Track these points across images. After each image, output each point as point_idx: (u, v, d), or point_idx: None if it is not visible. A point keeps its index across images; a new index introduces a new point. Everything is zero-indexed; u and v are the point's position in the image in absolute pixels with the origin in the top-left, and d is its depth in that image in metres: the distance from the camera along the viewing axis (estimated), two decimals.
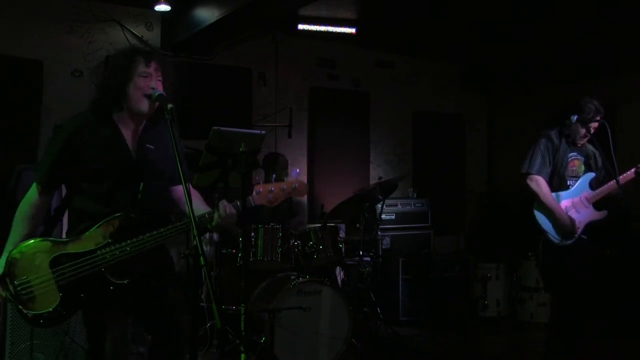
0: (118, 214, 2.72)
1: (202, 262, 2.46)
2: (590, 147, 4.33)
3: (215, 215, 2.81)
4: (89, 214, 2.75)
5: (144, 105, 2.77)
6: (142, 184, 2.80)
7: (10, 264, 2.65)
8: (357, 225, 5.91)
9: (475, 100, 8.76)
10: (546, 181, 4.18)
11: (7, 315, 3.85)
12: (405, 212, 7.21)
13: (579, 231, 4.18)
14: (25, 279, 2.63)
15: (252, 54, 6.89)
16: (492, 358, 5.68)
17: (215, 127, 2.98)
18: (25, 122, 5.63)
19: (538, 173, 4.16)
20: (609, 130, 4.09)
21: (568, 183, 4.25)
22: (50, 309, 2.64)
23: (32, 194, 2.81)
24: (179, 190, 2.97)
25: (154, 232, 2.72)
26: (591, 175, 4.28)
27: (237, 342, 4.25)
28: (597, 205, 4.25)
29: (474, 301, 6.82)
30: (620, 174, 4.10)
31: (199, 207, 2.88)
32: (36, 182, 2.80)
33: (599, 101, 4.21)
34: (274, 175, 5.90)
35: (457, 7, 6.13)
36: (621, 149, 5.32)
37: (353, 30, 6.78)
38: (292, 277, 4.75)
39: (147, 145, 2.85)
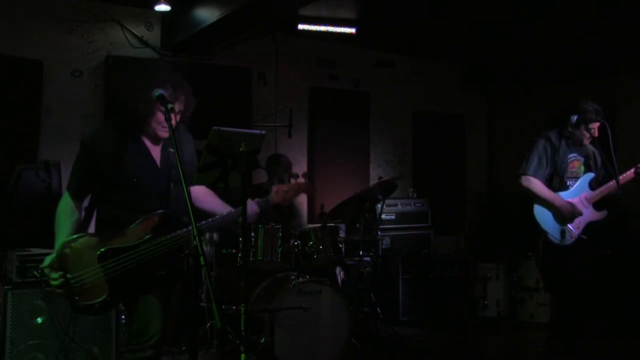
0: (157, 212, 2.93)
1: (202, 262, 2.46)
2: (590, 147, 4.33)
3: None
4: (118, 223, 2.94)
5: (164, 133, 3.02)
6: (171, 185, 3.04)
7: (61, 258, 2.89)
8: (357, 225, 5.91)
9: (475, 100, 8.76)
10: (543, 183, 4.18)
11: (7, 315, 3.85)
12: (405, 212, 7.21)
13: (578, 231, 4.18)
14: (77, 273, 2.86)
15: (252, 54, 6.89)
16: (492, 358, 5.68)
17: (215, 127, 2.98)
18: (25, 122, 5.63)
19: (534, 175, 4.16)
20: (609, 130, 4.09)
21: (568, 184, 4.25)
22: (101, 299, 2.86)
23: (67, 197, 3.04)
24: (194, 190, 3.17)
25: (184, 230, 2.92)
26: (590, 175, 4.28)
27: (237, 342, 4.25)
28: (597, 205, 4.25)
29: (474, 301, 6.82)
30: (620, 173, 4.10)
31: (217, 207, 3.18)
32: (67, 191, 3.04)
33: (598, 103, 4.21)
34: (275, 177, 5.95)
35: (457, 7, 6.13)
36: (621, 149, 5.32)
37: (353, 30, 6.78)
38: (292, 277, 4.75)
39: (170, 149, 3.08)
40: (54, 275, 2.89)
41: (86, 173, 3.00)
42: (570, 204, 4.14)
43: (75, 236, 2.93)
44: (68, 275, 2.86)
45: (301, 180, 3.23)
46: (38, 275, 3.90)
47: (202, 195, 3.26)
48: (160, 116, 2.97)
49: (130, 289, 2.90)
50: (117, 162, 2.95)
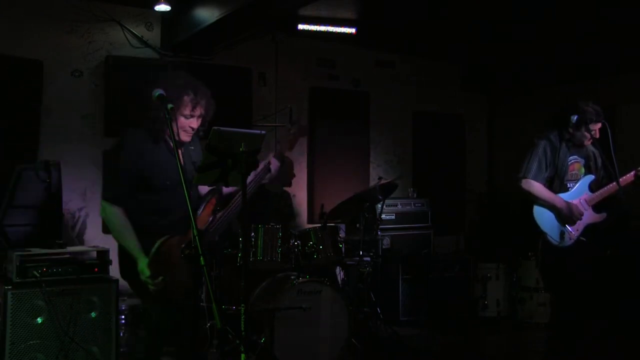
0: (213, 194, 3.14)
1: (202, 262, 2.46)
2: (590, 148, 4.33)
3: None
4: (144, 223, 3.10)
5: (186, 137, 3.23)
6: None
7: (154, 263, 3.05)
8: (357, 225, 5.91)
9: (475, 100, 8.76)
10: (544, 184, 4.17)
11: (7, 315, 3.84)
12: (405, 212, 7.21)
13: (578, 233, 4.18)
14: (164, 275, 3.04)
15: (252, 54, 6.88)
16: (492, 358, 5.68)
17: (215, 127, 2.98)
18: (25, 122, 5.62)
19: (534, 179, 4.16)
20: (609, 131, 4.09)
21: (568, 186, 4.24)
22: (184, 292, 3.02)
23: (110, 207, 3.15)
24: (203, 189, 3.36)
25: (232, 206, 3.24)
26: (590, 177, 4.28)
27: (237, 342, 4.25)
28: (597, 207, 4.25)
29: (474, 301, 6.82)
30: (621, 176, 4.09)
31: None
32: (106, 201, 3.18)
33: (598, 104, 4.21)
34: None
35: (457, 7, 6.13)
36: (621, 149, 5.32)
37: (353, 30, 6.78)
38: (292, 277, 4.75)
39: (190, 147, 3.29)
40: (156, 280, 3.05)
41: (129, 178, 3.12)
42: (571, 205, 4.14)
43: (160, 241, 3.08)
44: (160, 278, 3.03)
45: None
46: (38, 275, 3.90)
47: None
48: (182, 121, 3.14)
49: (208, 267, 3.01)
50: (154, 166, 3.11)
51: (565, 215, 4.12)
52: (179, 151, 3.19)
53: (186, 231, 3.05)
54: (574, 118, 4.12)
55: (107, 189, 3.23)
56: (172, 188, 3.12)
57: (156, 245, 3.07)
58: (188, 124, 3.18)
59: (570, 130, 4.19)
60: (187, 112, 3.16)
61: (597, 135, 4.20)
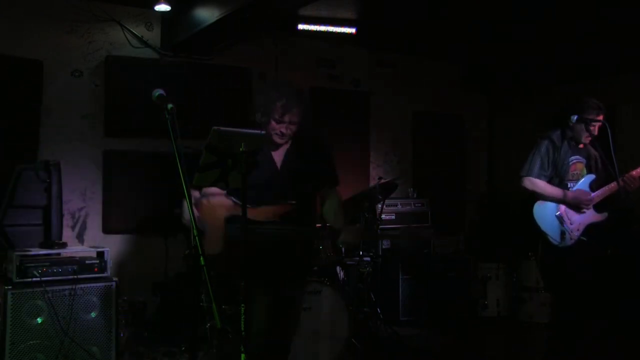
0: (290, 202, 3.28)
1: (202, 262, 2.46)
2: (591, 148, 4.32)
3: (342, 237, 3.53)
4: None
5: (279, 140, 3.42)
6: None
7: (199, 206, 3.17)
8: (357, 225, 5.91)
9: (475, 100, 8.76)
10: (546, 182, 4.17)
11: (7, 315, 3.85)
12: (405, 212, 7.20)
13: (578, 233, 4.17)
14: (205, 224, 3.14)
15: (252, 54, 6.88)
16: (492, 358, 5.68)
17: (215, 127, 2.98)
18: (25, 122, 5.63)
19: (538, 176, 4.15)
20: (609, 130, 4.08)
21: (568, 185, 4.24)
22: (214, 254, 3.08)
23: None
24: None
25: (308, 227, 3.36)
26: (591, 177, 4.27)
27: (237, 342, 4.24)
28: (598, 207, 4.25)
29: (474, 301, 6.82)
30: (621, 174, 4.08)
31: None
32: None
33: (600, 101, 4.21)
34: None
35: (457, 7, 6.12)
36: (621, 149, 5.32)
37: (353, 30, 6.78)
38: None
39: (292, 153, 3.48)
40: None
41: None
42: (576, 193, 4.14)
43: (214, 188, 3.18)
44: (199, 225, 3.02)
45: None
46: (38, 275, 3.90)
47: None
48: (274, 125, 3.35)
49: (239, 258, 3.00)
50: (251, 165, 3.15)
51: (578, 204, 4.12)
52: (278, 152, 3.47)
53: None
54: (574, 118, 4.12)
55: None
56: (261, 186, 3.22)
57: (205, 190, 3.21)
58: (279, 128, 3.37)
59: (571, 127, 4.18)
60: (277, 116, 3.35)
61: (596, 133, 4.18)
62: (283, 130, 3.38)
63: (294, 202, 3.30)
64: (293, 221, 3.32)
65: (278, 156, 3.51)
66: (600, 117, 4.16)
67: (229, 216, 3.19)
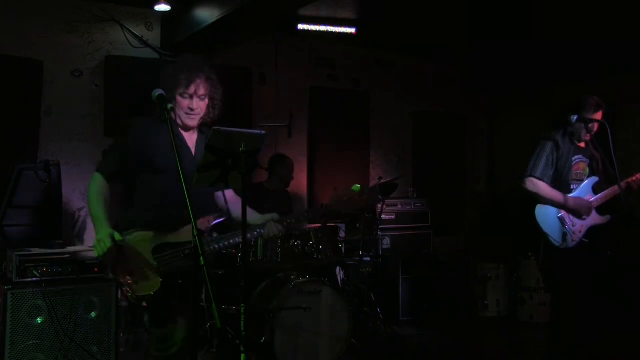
0: (215, 213, 3.03)
1: (202, 262, 2.46)
2: (592, 149, 4.32)
3: (265, 232, 3.13)
4: (157, 213, 2.99)
5: (190, 121, 3.09)
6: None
7: (115, 250, 2.89)
8: (357, 225, 5.91)
9: (475, 100, 8.76)
10: (548, 184, 4.16)
11: (7, 315, 3.85)
12: (405, 212, 7.21)
13: (580, 235, 4.17)
14: (131, 264, 2.89)
15: (252, 54, 6.89)
16: (492, 358, 5.67)
17: (215, 127, 2.97)
18: (25, 122, 5.63)
19: (541, 176, 4.14)
20: (609, 130, 4.08)
21: (572, 187, 4.23)
22: (152, 293, 2.88)
23: (99, 178, 3.03)
24: (227, 193, 3.25)
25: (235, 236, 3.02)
26: (594, 179, 4.27)
27: (237, 342, 4.25)
28: (600, 209, 4.24)
29: (474, 301, 6.82)
30: (621, 175, 4.08)
31: (253, 213, 3.19)
32: (99, 172, 3.05)
33: (600, 97, 4.20)
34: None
35: (457, 7, 6.12)
36: (621, 149, 5.32)
37: (353, 30, 6.78)
38: (292, 277, 4.75)
39: (202, 143, 3.11)
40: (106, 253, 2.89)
41: (126, 155, 3.03)
42: (577, 200, 4.13)
43: (131, 231, 2.95)
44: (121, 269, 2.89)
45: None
46: (38, 275, 3.90)
47: (236, 201, 3.27)
48: (182, 102, 3.03)
49: (182, 285, 2.92)
50: (156, 148, 3.00)
51: (579, 210, 4.12)
52: (192, 136, 3.16)
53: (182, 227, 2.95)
54: (574, 118, 4.12)
55: (102, 163, 3.09)
56: (175, 172, 2.91)
57: (124, 234, 2.92)
58: (186, 104, 3.04)
59: (571, 126, 4.18)
60: (181, 89, 3.03)
61: (595, 130, 4.18)
62: (192, 105, 3.04)
63: (219, 215, 3.07)
64: (226, 230, 3.07)
65: (192, 141, 3.18)
66: (599, 115, 4.16)
67: (156, 247, 2.94)
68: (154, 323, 3.08)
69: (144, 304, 2.91)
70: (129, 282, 2.88)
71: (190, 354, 2.94)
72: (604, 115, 4.19)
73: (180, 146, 3.03)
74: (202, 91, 3.07)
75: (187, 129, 3.14)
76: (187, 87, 3.02)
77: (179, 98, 3.03)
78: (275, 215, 3.13)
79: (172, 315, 3.02)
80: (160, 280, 2.89)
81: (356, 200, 3.18)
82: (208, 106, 3.13)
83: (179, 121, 3.10)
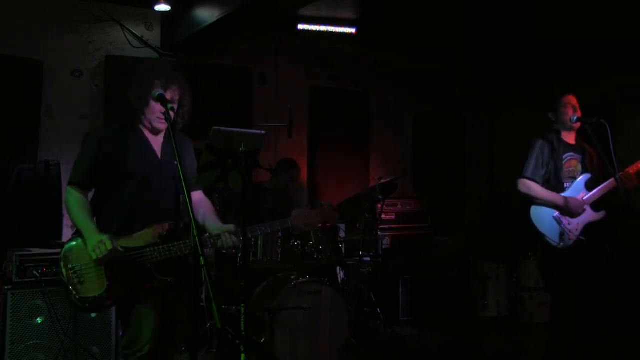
0: (170, 222, 3.00)
1: (202, 262, 2.46)
2: (584, 144, 4.33)
3: (219, 243, 3.08)
4: (117, 213, 3.02)
5: (159, 124, 3.08)
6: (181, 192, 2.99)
7: (66, 250, 2.95)
8: (357, 225, 5.91)
9: (475, 100, 8.76)
10: (540, 184, 4.18)
11: (7, 315, 3.85)
12: (405, 212, 7.20)
13: (577, 233, 4.17)
14: (77, 264, 2.91)
15: (252, 54, 6.89)
16: (492, 358, 5.67)
17: (215, 127, 2.98)
18: (25, 122, 5.63)
19: (532, 176, 4.16)
20: (609, 130, 4.08)
21: (565, 185, 4.24)
22: (96, 295, 2.90)
23: (73, 191, 3.03)
24: (194, 196, 3.19)
25: (189, 241, 2.96)
26: (587, 176, 4.27)
27: (237, 342, 4.25)
28: (595, 205, 4.24)
29: (474, 301, 6.82)
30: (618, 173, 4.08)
31: (214, 222, 3.18)
32: (71, 186, 3.03)
33: (599, 100, 4.23)
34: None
35: (457, 7, 6.13)
36: (621, 149, 5.31)
37: (353, 30, 6.78)
38: (292, 277, 4.75)
39: (169, 152, 3.11)
40: (61, 268, 2.94)
41: (93, 162, 3.02)
42: (569, 199, 4.14)
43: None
44: (69, 266, 2.91)
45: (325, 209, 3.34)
46: (38, 275, 3.90)
47: (199, 204, 3.26)
48: (154, 106, 3.02)
49: (127, 288, 2.94)
50: (121, 151, 3.01)
51: (572, 210, 4.13)
52: (158, 140, 3.15)
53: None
54: (550, 115, 4.24)
55: (71, 176, 3.08)
56: (140, 176, 3.03)
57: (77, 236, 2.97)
58: (160, 109, 3.01)
59: (555, 122, 4.23)
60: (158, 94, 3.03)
61: (579, 113, 4.20)
62: (163, 111, 3.00)
63: (174, 222, 3.03)
64: (179, 236, 3.02)
65: (157, 144, 3.17)
66: (571, 98, 4.21)
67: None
68: (122, 327, 3.13)
69: (87, 305, 2.92)
70: (75, 282, 2.90)
71: (190, 354, 2.94)
72: (601, 115, 4.19)
73: (146, 150, 3.10)
74: (176, 97, 3.09)
75: (156, 132, 3.14)
76: (164, 92, 3.02)
77: (152, 102, 3.03)
78: (232, 227, 3.10)
79: (137, 319, 3.03)
80: (107, 283, 2.90)
81: (313, 219, 3.26)
82: (177, 112, 3.14)
83: (147, 124, 3.10)
